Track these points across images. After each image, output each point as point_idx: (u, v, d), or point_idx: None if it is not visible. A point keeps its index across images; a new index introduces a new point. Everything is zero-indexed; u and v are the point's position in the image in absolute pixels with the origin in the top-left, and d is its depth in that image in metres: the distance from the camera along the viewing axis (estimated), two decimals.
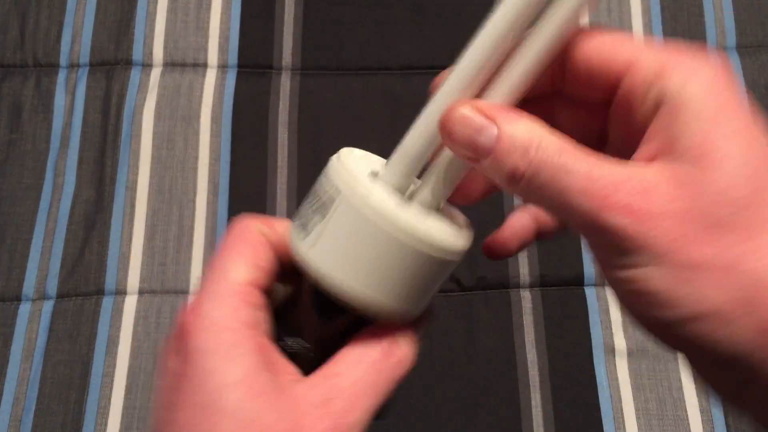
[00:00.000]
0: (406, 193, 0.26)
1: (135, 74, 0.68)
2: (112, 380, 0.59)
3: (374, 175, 0.26)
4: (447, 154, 0.25)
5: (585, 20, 0.25)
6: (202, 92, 0.68)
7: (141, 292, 0.62)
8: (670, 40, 0.69)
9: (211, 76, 0.68)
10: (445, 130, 0.23)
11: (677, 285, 0.20)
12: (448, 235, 0.25)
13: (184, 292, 0.62)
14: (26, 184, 0.65)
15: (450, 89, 0.24)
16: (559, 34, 0.22)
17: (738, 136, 0.20)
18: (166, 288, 0.62)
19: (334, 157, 0.26)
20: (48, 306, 0.61)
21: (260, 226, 0.26)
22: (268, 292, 0.26)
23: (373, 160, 0.28)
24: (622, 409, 0.58)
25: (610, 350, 0.59)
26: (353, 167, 0.25)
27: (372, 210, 0.24)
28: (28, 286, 0.62)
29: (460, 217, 0.29)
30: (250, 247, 0.25)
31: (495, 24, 0.23)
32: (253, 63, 0.69)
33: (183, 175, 0.65)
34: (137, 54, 0.69)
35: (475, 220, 0.67)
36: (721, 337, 0.19)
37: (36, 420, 0.58)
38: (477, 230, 0.71)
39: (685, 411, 0.57)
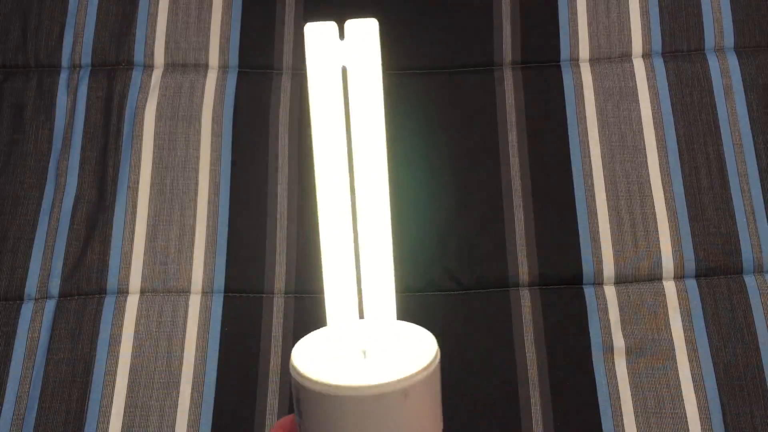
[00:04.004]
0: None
1: (136, 75, 0.69)
2: (114, 379, 0.59)
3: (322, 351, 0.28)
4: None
5: None
6: (203, 93, 0.68)
7: (143, 292, 0.62)
8: (668, 40, 0.69)
9: (212, 77, 0.69)
10: None
11: None
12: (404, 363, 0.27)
13: (186, 291, 0.62)
14: (29, 184, 0.66)
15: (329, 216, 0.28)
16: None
17: None
18: (168, 287, 0.62)
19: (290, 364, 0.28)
20: (50, 305, 0.62)
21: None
22: None
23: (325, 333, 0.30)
24: (620, 407, 0.58)
25: (609, 349, 0.60)
26: (296, 362, 0.27)
27: (316, 389, 0.26)
28: (31, 286, 0.62)
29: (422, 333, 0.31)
30: None
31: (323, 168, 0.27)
32: (254, 64, 0.70)
33: (184, 175, 0.66)
34: (138, 55, 0.70)
35: (476, 218, 0.68)
36: None
37: (38, 418, 0.58)
38: (477, 229, 0.71)
39: (684, 409, 0.58)
